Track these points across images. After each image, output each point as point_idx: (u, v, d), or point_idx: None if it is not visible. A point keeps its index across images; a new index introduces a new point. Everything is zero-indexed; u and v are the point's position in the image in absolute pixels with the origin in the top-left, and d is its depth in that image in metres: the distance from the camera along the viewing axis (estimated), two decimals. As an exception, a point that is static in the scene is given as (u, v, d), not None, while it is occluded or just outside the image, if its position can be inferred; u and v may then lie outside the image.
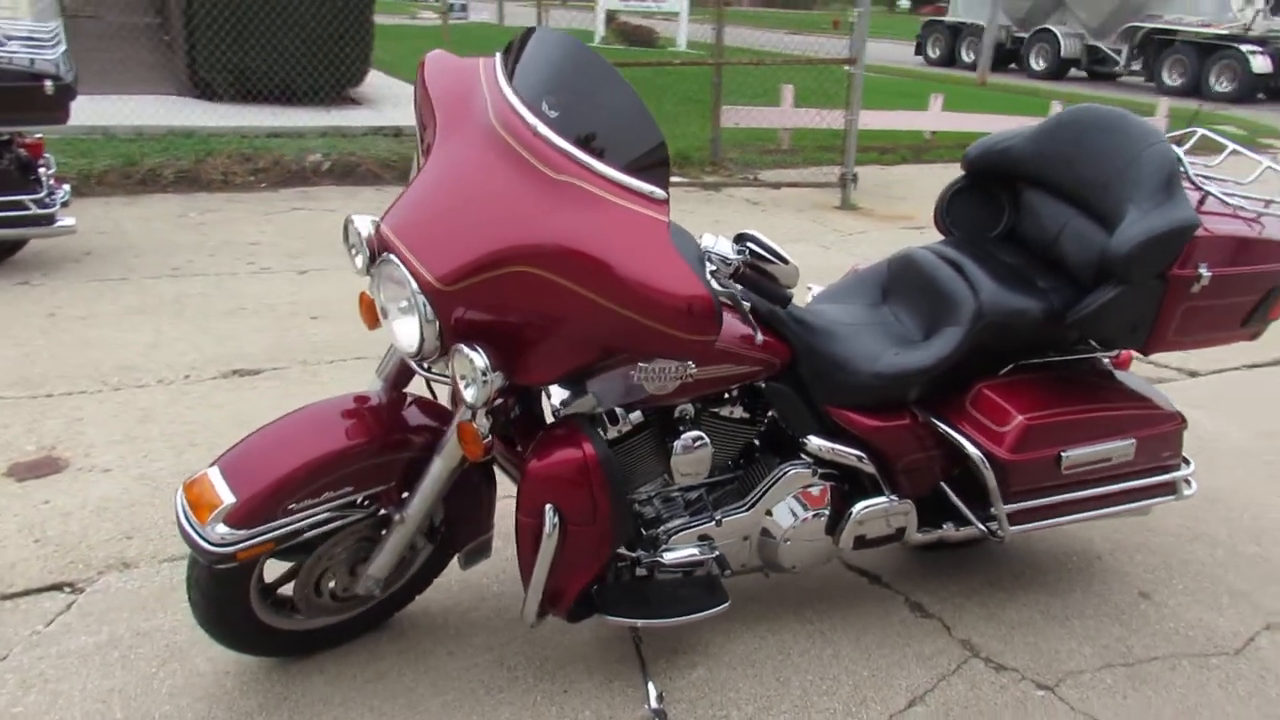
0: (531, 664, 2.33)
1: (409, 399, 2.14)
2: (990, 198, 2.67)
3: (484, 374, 1.72)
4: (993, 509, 2.33)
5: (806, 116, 8.77)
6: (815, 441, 2.29)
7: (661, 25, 18.57)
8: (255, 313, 4.58)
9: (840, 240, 6.72)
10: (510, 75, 1.88)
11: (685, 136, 9.05)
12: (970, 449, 2.27)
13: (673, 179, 8.18)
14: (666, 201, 1.72)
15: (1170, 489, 2.56)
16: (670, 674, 2.32)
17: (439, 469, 2.01)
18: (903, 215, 7.53)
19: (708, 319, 1.71)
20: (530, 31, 1.98)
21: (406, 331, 1.81)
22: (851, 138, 7.90)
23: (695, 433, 2.13)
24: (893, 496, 2.37)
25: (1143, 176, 2.23)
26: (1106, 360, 2.61)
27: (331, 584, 2.18)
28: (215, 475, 1.91)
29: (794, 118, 8.94)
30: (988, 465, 2.26)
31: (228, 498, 1.86)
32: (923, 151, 10.14)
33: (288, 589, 2.18)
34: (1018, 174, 2.59)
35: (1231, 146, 2.55)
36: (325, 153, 7.40)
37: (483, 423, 1.87)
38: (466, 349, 1.73)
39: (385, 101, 9.51)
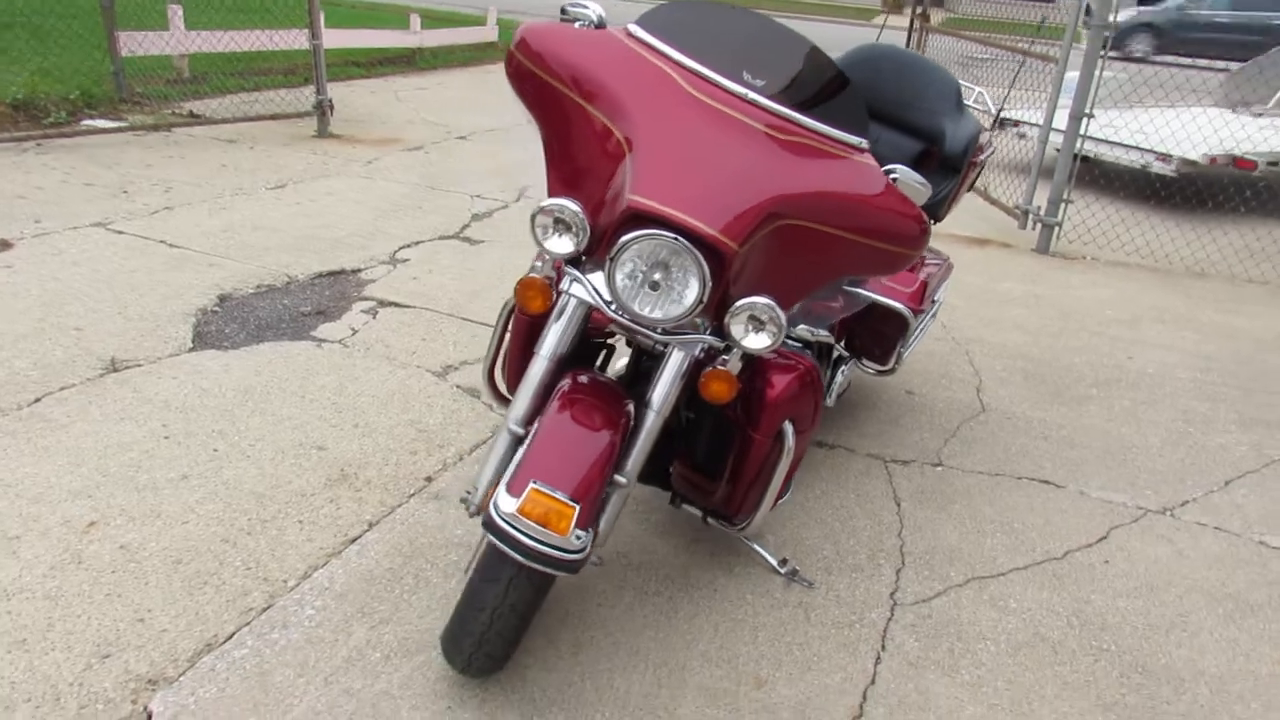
0: (664, 585, 2.56)
1: (578, 373, 2.16)
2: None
3: (781, 320, 1.95)
4: (901, 349, 3.18)
5: (260, 39, 8.27)
6: (805, 328, 2.85)
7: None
8: None
9: (366, 169, 6.71)
10: (682, 46, 2.04)
11: (83, 72, 7.96)
12: (900, 307, 3.05)
13: (106, 126, 7.22)
14: (869, 149, 2.13)
15: (935, 312, 3.70)
16: (749, 549, 2.76)
17: (654, 425, 2.13)
18: (390, 139, 7.79)
19: (928, 235, 2.18)
20: (677, 5, 2.12)
21: (660, 300, 1.93)
22: (320, 63, 7.75)
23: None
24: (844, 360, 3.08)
25: (944, 97, 3.17)
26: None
27: None
28: (545, 489, 1.82)
29: (235, 40, 8.28)
30: (912, 316, 3.07)
31: (573, 504, 1.82)
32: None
33: None
34: (828, 99, 3.35)
35: None
36: None
37: (736, 365, 2.07)
38: (761, 300, 1.94)
39: None
